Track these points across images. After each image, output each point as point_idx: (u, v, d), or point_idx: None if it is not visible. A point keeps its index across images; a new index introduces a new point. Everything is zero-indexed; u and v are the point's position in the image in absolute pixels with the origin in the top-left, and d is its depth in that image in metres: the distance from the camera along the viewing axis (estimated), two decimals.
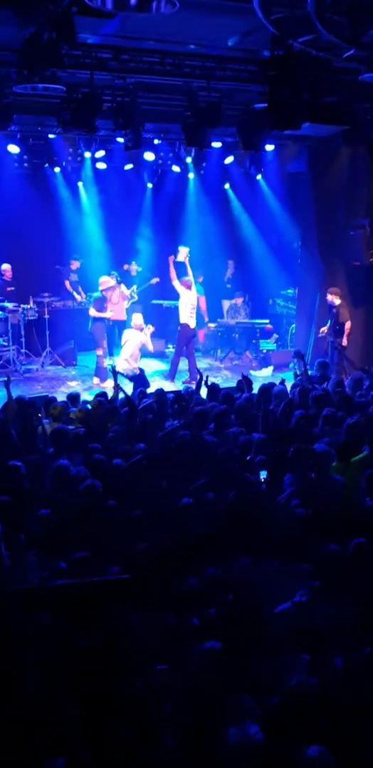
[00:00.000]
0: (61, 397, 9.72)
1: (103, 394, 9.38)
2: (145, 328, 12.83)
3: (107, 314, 13.84)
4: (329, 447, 7.05)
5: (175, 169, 15.18)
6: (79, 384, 13.30)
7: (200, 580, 4.94)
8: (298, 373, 11.09)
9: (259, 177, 15.33)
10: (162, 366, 14.64)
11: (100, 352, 13.53)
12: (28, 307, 14.34)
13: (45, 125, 11.74)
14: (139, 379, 12.18)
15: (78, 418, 8.37)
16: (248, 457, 7.27)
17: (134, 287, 14.85)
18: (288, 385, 10.00)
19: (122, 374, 12.11)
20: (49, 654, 3.91)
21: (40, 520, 5.77)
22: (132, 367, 12.37)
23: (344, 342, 12.61)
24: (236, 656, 4.08)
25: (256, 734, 3.48)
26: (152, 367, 14.10)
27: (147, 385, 11.76)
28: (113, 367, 9.54)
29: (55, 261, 15.44)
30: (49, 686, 3.70)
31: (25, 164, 14.34)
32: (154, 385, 11.52)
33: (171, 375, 13.78)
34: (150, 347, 12.88)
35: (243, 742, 3.51)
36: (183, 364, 14.06)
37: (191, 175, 15.68)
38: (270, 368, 14.86)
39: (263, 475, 6.87)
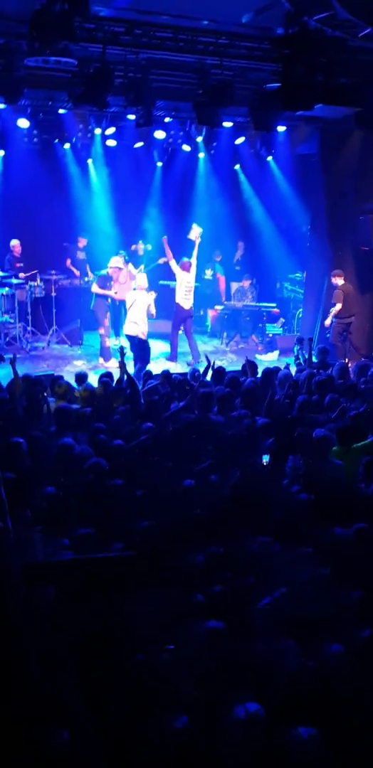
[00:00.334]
0: (67, 376, 9.69)
1: (109, 375, 9.34)
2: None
3: (111, 293, 13.71)
4: (329, 432, 7.03)
5: (186, 148, 15.09)
6: (84, 363, 13.27)
7: (204, 558, 4.94)
8: (300, 358, 11.03)
9: (269, 158, 15.22)
10: (167, 348, 14.60)
11: (102, 330, 13.42)
12: (35, 284, 14.29)
13: (56, 100, 11.65)
14: (143, 347, 12.18)
15: (83, 397, 8.35)
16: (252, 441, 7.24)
17: (142, 267, 14.78)
18: (293, 370, 9.97)
19: (131, 336, 12.13)
20: (53, 628, 3.91)
21: (46, 497, 5.76)
22: (142, 330, 12.28)
23: (327, 321, 13.04)
24: (236, 635, 4.09)
25: (258, 712, 3.48)
26: (158, 348, 14.04)
27: (148, 353, 11.97)
28: (121, 348, 9.48)
29: (63, 238, 15.39)
30: (52, 660, 3.70)
31: (35, 139, 14.24)
32: (159, 366, 11.48)
33: (173, 356, 13.75)
34: (153, 311, 12.69)
35: (245, 720, 3.51)
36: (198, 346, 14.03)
37: (201, 155, 15.57)
38: (276, 352, 14.80)
39: (265, 459, 6.86)
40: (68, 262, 15.20)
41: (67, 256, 15.29)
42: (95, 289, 13.62)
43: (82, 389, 8.57)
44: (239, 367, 10.68)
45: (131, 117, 11.47)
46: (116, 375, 9.40)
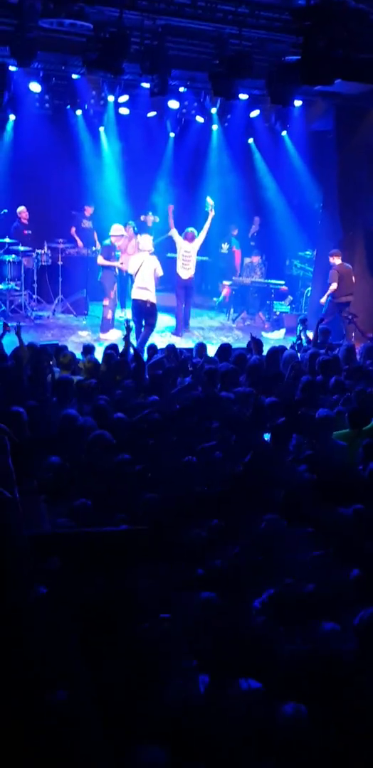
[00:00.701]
0: (71, 347, 9.63)
1: (114, 347, 9.27)
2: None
3: (116, 263, 13.53)
4: (332, 412, 6.98)
5: (199, 119, 14.90)
6: (89, 334, 13.19)
7: (207, 533, 4.93)
8: (302, 339, 10.94)
9: (284, 133, 15.02)
10: (173, 321, 14.52)
11: (106, 302, 13.22)
12: (42, 252, 14.17)
13: (69, 65, 11.48)
14: (153, 312, 12.14)
15: (87, 368, 8.29)
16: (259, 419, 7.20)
17: (150, 238, 14.62)
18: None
19: (141, 302, 12.05)
20: (57, 597, 3.91)
21: (50, 466, 5.72)
22: (152, 294, 12.17)
23: (322, 300, 13.04)
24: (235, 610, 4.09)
25: (258, 689, 3.47)
26: (163, 322, 13.94)
27: (156, 318, 12.03)
28: (127, 322, 9.38)
29: (72, 207, 15.26)
30: (55, 627, 3.70)
31: (47, 104, 14.05)
32: (164, 340, 11.40)
33: (178, 330, 13.71)
34: (160, 272, 12.51)
35: (246, 694, 3.52)
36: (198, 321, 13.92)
37: (215, 127, 15.40)
38: (282, 330, 14.70)
39: (266, 437, 6.82)
40: (73, 230, 15.07)
41: (73, 224, 15.14)
42: (101, 261, 13.40)
43: (86, 360, 8.51)
44: (244, 344, 10.60)
45: (146, 85, 11.30)
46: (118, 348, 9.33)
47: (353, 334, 12.36)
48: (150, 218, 15.47)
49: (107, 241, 13.47)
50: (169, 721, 3.30)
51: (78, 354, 8.98)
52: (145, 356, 9.29)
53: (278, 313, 15.39)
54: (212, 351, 9.83)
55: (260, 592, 4.29)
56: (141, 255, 12.43)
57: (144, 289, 12.14)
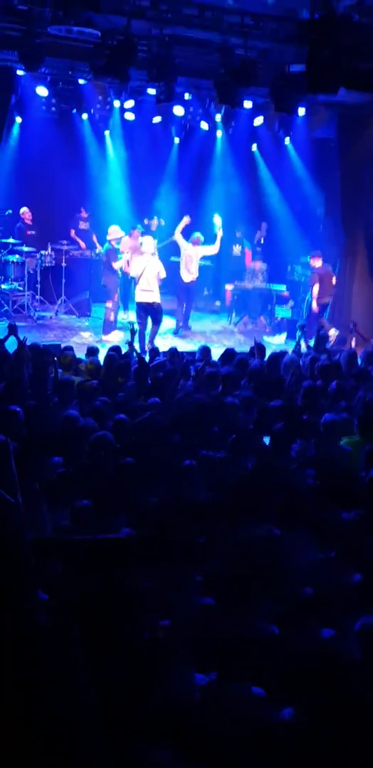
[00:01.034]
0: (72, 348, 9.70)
1: (116, 349, 9.35)
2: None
3: (121, 263, 13.53)
4: (338, 417, 7.04)
5: (204, 126, 15.01)
6: (91, 335, 13.27)
7: (208, 537, 4.98)
8: (301, 344, 11.01)
9: (287, 140, 15.12)
10: (174, 324, 14.63)
11: (109, 304, 13.24)
12: (46, 253, 14.26)
13: (76, 70, 11.57)
14: (159, 312, 12.31)
15: (88, 370, 8.37)
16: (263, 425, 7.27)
17: (154, 241, 14.71)
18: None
19: (147, 305, 12.17)
20: (58, 600, 3.97)
21: (52, 468, 5.79)
22: (157, 296, 12.30)
23: (314, 306, 13.50)
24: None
25: (259, 694, 3.54)
26: (165, 324, 14.03)
27: (161, 316, 12.31)
28: (132, 325, 9.44)
29: (76, 209, 15.34)
30: (56, 630, 3.76)
31: (53, 108, 14.17)
32: (166, 343, 11.49)
33: (176, 329, 13.94)
34: (163, 274, 12.63)
35: (245, 696, 3.58)
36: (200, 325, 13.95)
37: (219, 134, 15.49)
38: (284, 335, 14.78)
39: (265, 440, 6.89)
40: (72, 232, 15.16)
41: (72, 226, 15.24)
42: (118, 265, 13.31)
43: (88, 362, 8.58)
44: (246, 349, 10.68)
45: (152, 92, 11.40)
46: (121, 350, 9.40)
47: (353, 342, 12.43)
48: (155, 222, 15.56)
49: (107, 245, 13.52)
50: (169, 721, 3.37)
51: (81, 355, 9.05)
52: (147, 358, 9.36)
53: (279, 317, 15.47)
54: (213, 355, 9.90)
55: (260, 596, 4.36)
56: (144, 258, 12.49)
57: (149, 292, 12.23)
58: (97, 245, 14.97)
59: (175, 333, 13.88)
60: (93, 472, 5.88)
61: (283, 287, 16.03)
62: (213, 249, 14.01)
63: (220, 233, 13.92)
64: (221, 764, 3.22)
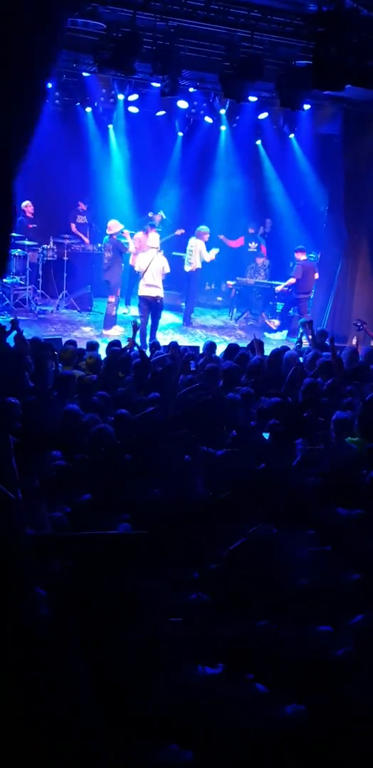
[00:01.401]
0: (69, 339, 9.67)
1: (117, 343, 9.31)
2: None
3: (132, 247, 13.57)
4: (348, 415, 7.00)
5: (208, 120, 14.94)
6: (92, 330, 13.23)
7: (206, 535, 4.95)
8: (303, 341, 10.99)
9: (291, 136, 15.04)
10: (176, 319, 14.60)
11: (112, 299, 13.21)
12: (48, 247, 14.20)
13: (81, 63, 11.50)
14: (160, 308, 12.38)
15: (88, 364, 8.34)
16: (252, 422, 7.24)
17: (158, 236, 14.65)
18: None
19: (150, 299, 12.23)
20: (57, 597, 3.94)
21: (52, 462, 5.75)
22: (161, 291, 12.39)
23: (277, 288, 14.42)
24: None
25: (259, 688, 3.51)
26: (166, 319, 14.00)
27: (161, 311, 12.48)
28: (135, 322, 9.39)
29: (78, 203, 15.27)
30: (55, 627, 3.73)
31: (57, 101, 14.07)
32: (167, 338, 11.45)
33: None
34: (167, 269, 12.72)
35: (245, 694, 3.56)
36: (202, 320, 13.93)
37: (223, 128, 15.43)
38: (285, 332, 14.75)
39: (265, 435, 6.86)
40: (73, 227, 15.10)
41: (71, 220, 15.18)
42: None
43: (87, 356, 8.55)
44: (247, 344, 10.65)
45: (156, 85, 11.33)
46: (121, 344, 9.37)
47: (355, 340, 12.38)
48: (158, 217, 15.51)
49: (106, 238, 13.42)
50: (172, 719, 3.34)
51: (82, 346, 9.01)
52: (148, 353, 9.33)
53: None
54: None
55: (258, 594, 4.33)
56: (150, 252, 12.53)
57: (153, 287, 12.29)
58: (87, 240, 14.94)
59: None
60: (93, 466, 5.84)
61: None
62: (206, 256, 14.32)
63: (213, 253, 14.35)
64: (224, 760, 3.20)
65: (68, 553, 4.41)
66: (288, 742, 3.28)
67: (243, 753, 3.24)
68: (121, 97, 13.66)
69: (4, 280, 13.53)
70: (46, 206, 14.73)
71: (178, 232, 14.90)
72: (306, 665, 3.77)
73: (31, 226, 14.23)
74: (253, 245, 16.36)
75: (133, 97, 13.56)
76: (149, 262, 12.34)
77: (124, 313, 13.94)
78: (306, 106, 13.06)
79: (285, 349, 9.75)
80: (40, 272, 14.15)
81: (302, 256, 14.07)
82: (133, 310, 13.49)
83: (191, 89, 13.05)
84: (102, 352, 9.04)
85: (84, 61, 11.21)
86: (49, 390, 7.54)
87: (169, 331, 13.56)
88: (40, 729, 3.12)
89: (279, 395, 7.74)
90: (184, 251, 14.68)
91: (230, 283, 15.98)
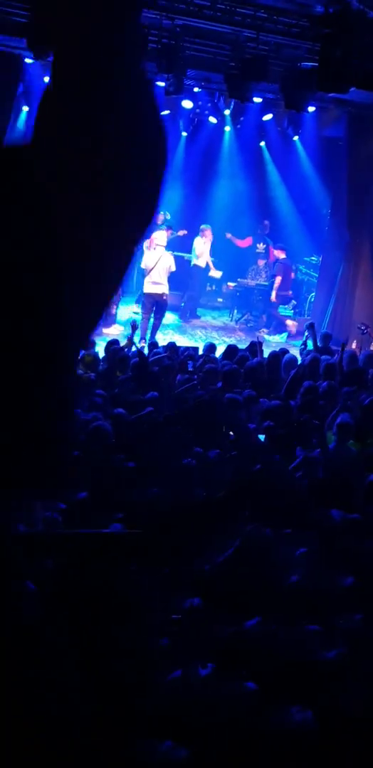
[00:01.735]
0: None
1: (116, 342, 9.27)
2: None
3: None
4: (351, 419, 6.98)
5: (212, 120, 14.92)
6: None
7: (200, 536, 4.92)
8: (308, 344, 10.95)
9: (296, 138, 15.01)
10: (175, 319, 14.57)
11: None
12: None
13: None
14: (165, 306, 12.55)
15: (86, 362, 8.31)
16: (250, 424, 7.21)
17: (165, 234, 14.58)
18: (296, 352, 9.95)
19: (156, 296, 12.39)
20: (48, 596, 3.91)
21: None
22: (166, 289, 12.56)
23: (273, 297, 14.56)
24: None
25: (252, 687, 3.48)
26: (166, 319, 13.94)
27: (165, 311, 12.67)
28: (134, 322, 9.37)
29: None
30: (46, 628, 3.70)
31: None
32: (167, 338, 11.43)
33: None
34: (173, 267, 12.95)
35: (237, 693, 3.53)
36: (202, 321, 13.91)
37: (228, 129, 15.42)
38: (285, 335, 14.71)
39: (261, 437, 6.84)
40: None
41: None
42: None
43: (85, 354, 8.51)
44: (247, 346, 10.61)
45: (161, 84, 11.28)
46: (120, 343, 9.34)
47: (354, 344, 12.36)
48: (160, 216, 15.44)
49: None
50: (166, 717, 3.32)
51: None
52: (146, 351, 9.31)
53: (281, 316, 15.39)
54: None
55: (251, 595, 4.31)
56: (158, 251, 12.63)
57: (159, 284, 12.45)
58: None
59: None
60: (88, 464, 5.81)
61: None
62: (211, 265, 14.81)
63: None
64: (218, 759, 3.17)
65: (60, 551, 4.37)
66: (284, 743, 3.26)
67: (237, 751, 3.22)
68: None
69: None
70: None
71: (181, 232, 14.85)
72: (298, 666, 3.75)
73: None
74: (261, 246, 16.35)
75: None
76: (157, 260, 12.44)
77: (137, 313, 13.87)
78: (311, 109, 13.04)
79: (284, 351, 9.73)
80: None
81: (281, 255, 14.40)
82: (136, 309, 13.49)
83: (196, 89, 13.01)
84: (99, 351, 9.00)
85: None
86: None
87: (169, 331, 13.52)
88: (30, 726, 3.09)
89: (279, 398, 7.73)
90: (186, 251, 14.66)
91: (231, 284, 15.94)
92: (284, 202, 16.22)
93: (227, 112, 14.30)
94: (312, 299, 15.40)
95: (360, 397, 8.03)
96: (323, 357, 9.45)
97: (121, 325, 12.97)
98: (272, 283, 14.98)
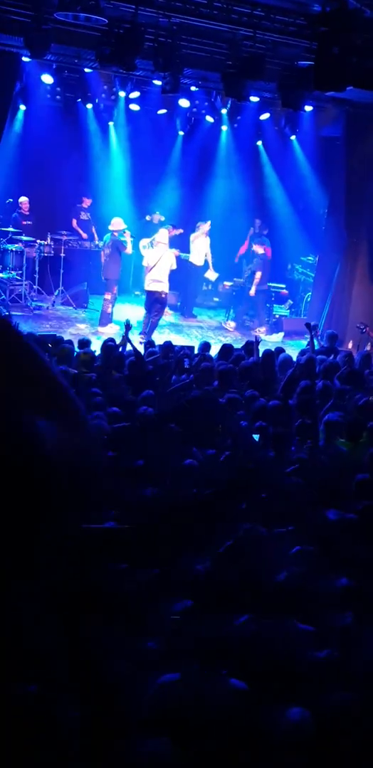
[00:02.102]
0: (68, 339, 9.61)
1: (112, 341, 9.26)
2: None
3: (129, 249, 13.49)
4: (340, 418, 6.97)
5: (209, 119, 14.93)
6: (87, 327, 13.17)
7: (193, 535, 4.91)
8: (315, 344, 10.94)
9: (293, 137, 15.02)
10: (172, 317, 14.55)
11: (108, 296, 13.08)
12: (45, 243, 14.12)
13: (82, 58, 11.44)
14: (164, 303, 12.67)
15: (83, 361, 8.30)
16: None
17: (166, 232, 14.55)
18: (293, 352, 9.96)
19: (156, 293, 12.48)
20: (38, 591, 3.88)
21: None
22: (166, 287, 12.63)
23: (252, 292, 14.58)
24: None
25: (241, 686, 3.47)
26: (163, 318, 13.93)
27: (164, 308, 12.87)
28: (128, 322, 9.35)
29: (78, 199, 15.21)
30: (35, 621, 3.68)
31: (58, 96, 14.05)
32: (163, 337, 11.41)
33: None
34: (174, 265, 13.00)
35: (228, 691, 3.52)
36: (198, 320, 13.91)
37: (224, 128, 15.42)
38: (281, 334, 14.66)
39: (255, 437, 6.82)
40: (74, 222, 15.03)
41: (73, 216, 15.12)
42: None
43: (82, 353, 8.50)
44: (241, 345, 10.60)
45: (157, 83, 11.29)
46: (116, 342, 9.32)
47: (350, 344, 12.37)
48: (156, 217, 15.44)
49: (109, 235, 13.32)
50: (161, 714, 3.30)
51: (76, 347, 8.95)
52: (142, 350, 9.31)
53: (277, 316, 15.36)
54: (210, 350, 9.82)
55: (243, 594, 4.29)
56: (160, 248, 12.64)
57: (159, 282, 12.50)
58: (96, 237, 14.85)
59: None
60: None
61: (282, 286, 15.94)
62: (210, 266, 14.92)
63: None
64: (205, 754, 3.16)
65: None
66: (276, 742, 3.25)
67: (229, 751, 3.21)
68: (122, 94, 13.62)
69: (1, 275, 13.45)
70: (45, 202, 14.65)
71: (177, 231, 14.80)
72: (289, 665, 3.74)
73: (25, 222, 14.08)
74: (259, 249, 16.30)
75: (135, 94, 13.51)
76: (158, 258, 12.48)
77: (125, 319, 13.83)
78: (308, 108, 13.05)
79: (280, 350, 9.72)
80: (37, 268, 14.06)
81: (260, 250, 14.55)
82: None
83: (193, 88, 13.02)
84: (95, 350, 8.99)
85: (86, 57, 11.15)
86: None
87: (165, 330, 13.51)
88: (21, 722, 3.08)
89: (278, 398, 7.72)
90: (184, 251, 14.65)
91: (227, 284, 15.92)
92: (281, 201, 16.19)
93: (223, 111, 14.31)
94: (309, 299, 15.39)
95: (355, 397, 8.03)
96: (322, 357, 9.48)
97: (116, 324, 12.97)
98: (251, 278, 14.90)
